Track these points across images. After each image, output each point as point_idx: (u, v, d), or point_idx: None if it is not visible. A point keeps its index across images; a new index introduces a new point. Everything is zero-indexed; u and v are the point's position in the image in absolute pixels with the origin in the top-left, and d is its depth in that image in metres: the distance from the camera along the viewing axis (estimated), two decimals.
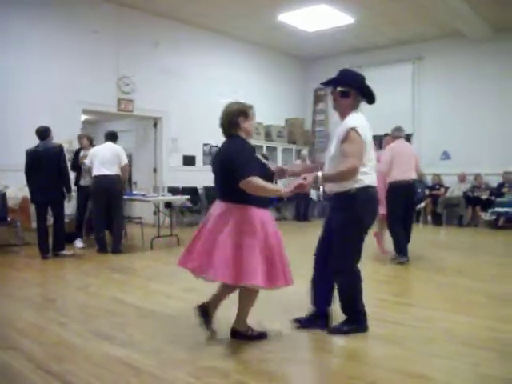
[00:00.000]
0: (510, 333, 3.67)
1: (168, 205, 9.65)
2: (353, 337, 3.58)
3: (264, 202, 3.35)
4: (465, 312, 4.24)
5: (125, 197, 7.90)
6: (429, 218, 11.88)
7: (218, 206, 3.40)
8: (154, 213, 8.55)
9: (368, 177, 3.50)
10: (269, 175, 3.44)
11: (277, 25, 11.11)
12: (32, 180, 6.92)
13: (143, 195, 7.99)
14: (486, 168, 11.25)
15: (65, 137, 8.18)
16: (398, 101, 12.68)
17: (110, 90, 9.79)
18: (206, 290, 3.74)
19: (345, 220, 3.51)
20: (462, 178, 11.59)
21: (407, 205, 6.65)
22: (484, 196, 11.07)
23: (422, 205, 11.67)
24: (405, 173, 6.61)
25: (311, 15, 10.42)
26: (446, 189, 11.73)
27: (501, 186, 11.03)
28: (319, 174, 3.33)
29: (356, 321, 3.67)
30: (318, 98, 14.50)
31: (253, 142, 10.12)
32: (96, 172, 7.26)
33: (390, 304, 4.53)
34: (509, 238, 9.52)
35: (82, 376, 2.89)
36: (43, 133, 6.98)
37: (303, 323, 3.76)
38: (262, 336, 3.50)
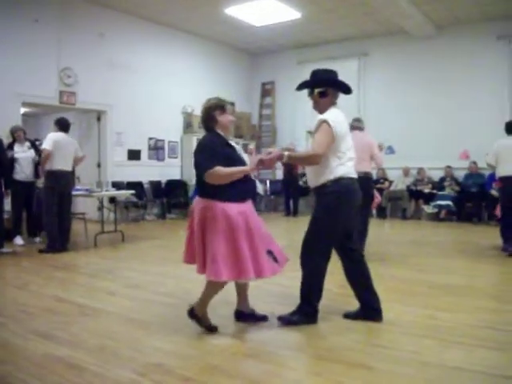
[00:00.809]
0: (449, 321, 3.79)
1: (112, 200, 9.45)
2: (296, 329, 3.61)
3: (234, 195, 3.38)
4: (407, 302, 4.36)
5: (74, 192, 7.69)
6: (373, 211, 12.12)
7: (195, 202, 3.53)
8: (98, 208, 8.37)
9: (341, 168, 3.60)
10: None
11: (224, 18, 11.06)
12: None
13: (87, 190, 7.79)
14: (429, 162, 11.59)
15: (3, 130, 7.88)
16: (343, 96, 12.83)
17: (51, 82, 9.49)
18: (149, 286, 3.69)
19: (317, 211, 3.66)
20: (406, 172, 11.90)
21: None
22: (426, 190, 11.40)
23: None
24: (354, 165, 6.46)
25: (259, 9, 10.43)
26: (391, 182, 12.01)
27: (442, 179, 11.39)
28: (286, 152, 3.50)
29: (306, 313, 3.71)
30: (265, 92, 14.56)
31: (200, 136, 10.18)
32: (58, 166, 6.93)
33: (333, 295, 4.59)
34: (450, 229, 9.84)
35: (22, 377, 2.80)
36: None
37: (351, 316, 3.89)
38: (211, 329, 3.53)
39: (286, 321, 3.67)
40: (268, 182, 13.91)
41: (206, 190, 3.39)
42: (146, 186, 11.05)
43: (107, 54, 10.44)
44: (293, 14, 10.81)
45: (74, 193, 7.69)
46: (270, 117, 14.42)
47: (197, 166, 3.39)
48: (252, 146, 12.97)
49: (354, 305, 4.28)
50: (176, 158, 12.09)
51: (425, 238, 8.63)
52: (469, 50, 11.24)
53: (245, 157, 3.61)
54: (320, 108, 3.75)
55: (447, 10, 10.39)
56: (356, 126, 6.99)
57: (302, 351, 3.22)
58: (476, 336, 3.45)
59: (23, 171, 7.62)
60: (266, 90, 14.52)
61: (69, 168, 7.11)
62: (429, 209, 11.21)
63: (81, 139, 11.23)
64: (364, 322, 3.78)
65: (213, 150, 3.37)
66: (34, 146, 7.94)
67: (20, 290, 4.95)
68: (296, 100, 13.49)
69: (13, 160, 7.53)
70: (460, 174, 11.30)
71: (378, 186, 11.95)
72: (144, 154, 11.31)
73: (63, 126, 7.20)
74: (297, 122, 13.75)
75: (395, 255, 6.80)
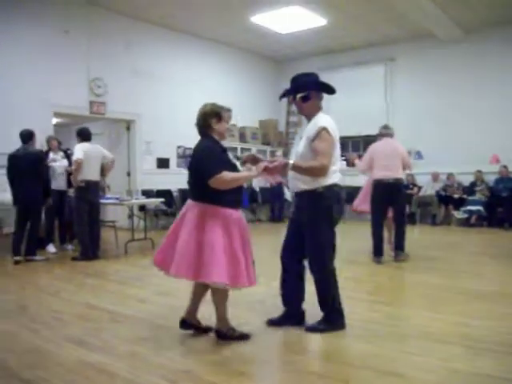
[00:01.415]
0: (480, 328, 3.74)
1: (142, 208, 9.57)
2: (326, 336, 3.61)
3: (232, 202, 3.40)
4: (437, 309, 4.31)
5: (103, 201, 7.83)
6: None
7: (188, 205, 3.47)
8: (129, 216, 8.49)
9: (335, 175, 3.60)
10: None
11: (250, 26, 11.14)
12: (13, 184, 6.91)
13: (117, 199, 7.91)
14: (458, 167, 11.43)
15: (37, 140, 8.05)
16: (370, 102, 12.83)
17: (81, 93, 9.68)
18: (178, 293, 3.73)
19: (314, 218, 3.59)
20: (435, 177, 11.76)
21: (392, 204, 6.69)
22: (456, 195, 11.24)
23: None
24: (384, 171, 6.57)
25: (284, 17, 10.47)
26: (420, 188, 11.88)
27: (473, 184, 11.23)
28: (291, 161, 3.48)
29: (332, 319, 3.69)
30: (291, 99, 14.55)
31: (227, 143, 10.15)
32: (86, 176, 7.06)
33: (362, 303, 4.58)
34: (481, 235, 9.69)
35: (55, 382, 2.86)
36: (25, 137, 6.98)
37: (276, 323, 3.79)
38: (243, 337, 3.51)
39: (313, 329, 3.66)
40: None
41: (204, 194, 3.36)
42: (175, 193, 11.16)
43: (135, 64, 10.60)
44: (318, 21, 10.82)
45: (104, 201, 7.81)
46: (296, 124, 14.41)
47: (202, 170, 3.32)
48: (279, 152, 12.97)
49: (381, 311, 4.26)
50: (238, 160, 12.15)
51: (455, 244, 8.51)
52: (498, 53, 11.07)
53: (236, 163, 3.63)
54: (306, 113, 3.73)
55: (474, 13, 10.26)
56: (385, 133, 7.04)
57: (329, 358, 3.21)
58: (507, 343, 3.39)
59: (56, 180, 7.78)
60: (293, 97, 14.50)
61: (96, 178, 7.23)
62: (459, 214, 11.05)
63: (110, 148, 11.38)
64: (392, 329, 3.76)
65: (218, 154, 3.40)
66: (67, 155, 8.10)
67: (52, 296, 5.05)
68: (322, 106, 13.48)
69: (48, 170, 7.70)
70: (490, 179, 11.12)
71: (408, 191, 11.85)
72: (173, 162, 11.43)
73: (86, 136, 7.28)
74: None
75: (425, 261, 6.72)
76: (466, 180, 11.43)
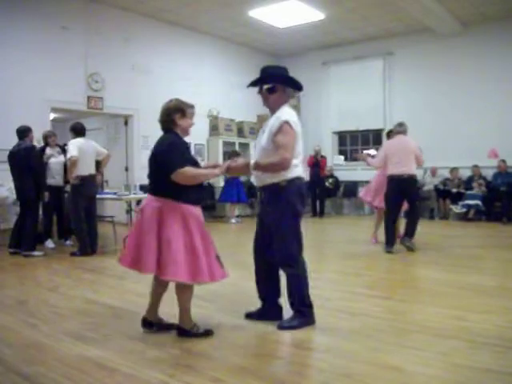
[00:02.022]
0: (480, 322, 3.74)
1: (140, 203, 9.54)
2: (325, 330, 3.60)
3: (193, 198, 3.38)
4: (436, 303, 4.31)
5: (96, 196, 7.79)
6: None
7: (147, 200, 3.47)
8: (127, 211, 8.47)
9: (297, 169, 3.57)
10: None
11: (248, 21, 11.11)
12: (13, 180, 7.02)
13: (115, 194, 7.89)
14: (457, 161, 11.44)
15: (35, 135, 8.02)
16: (369, 96, 12.82)
17: (79, 88, 9.65)
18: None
19: (279, 211, 3.56)
20: (434, 172, 11.75)
21: (407, 199, 6.97)
22: (454, 189, 11.24)
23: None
24: (398, 167, 6.82)
25: (282, 11, 10.44)
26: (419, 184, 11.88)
27: (471, 179, 11.23)
28: (251, 161, 3.52)
29: (304, 314, 3.66)
30: None
31: (226, 138, 10.17)
32: (83, 171, 7.02)
33: (361, 297, 4.57)
34: (479, 230, 9.70)
35: (54, 378, 2.84)
36: (20, 133, 7.04)
37: (255, 317, 3.81)
38: (207, 333, 3.48)
39: (287, 328, 3.60)
40: None
41: (165, 189, 3.34)
42: None
43: (132, 59, 10.57)
44: (316, 15, 10.79)
45: (102, 196, 7.79)
46: None
47: (166, 163, 3.30)
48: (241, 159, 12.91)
49: (381, 305, 4.26)
50: (202, 160, 12.14)
51: (453, 238, 8.52)
52: (496, 47, 11.07)
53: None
54: (270, 105, 3.70)
55: (473, 6, 10.25)
56: (400, 130, 7.27)
57: (329, 352, 3.21)
58: (507, 338, 3.39)
59: (53, 176, 7.74)
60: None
61: (92, 172, 7.20)
62: (457, 209, 11.06)
63: (108, 143, 11.41)
64: (392, 323, 3.76)
65: (182, 149, 3.40)
66: (64, 150, 8.07)
67: (51, 291, 5.04)
68: (321, 101, 13.48)
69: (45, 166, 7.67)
70: (489, 173, 11.12)
71: None
72: None
73: (79, 131, 7.23)
74: (322, 123, 13.71)
75: (424, 255, 6.73)
76: (465, 174, 11.45)
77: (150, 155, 3.49)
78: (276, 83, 3.65)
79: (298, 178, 3.58)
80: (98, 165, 7.44)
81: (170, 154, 3.32)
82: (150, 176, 3.49)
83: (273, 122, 3.54)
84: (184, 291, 3.42)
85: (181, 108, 3.49)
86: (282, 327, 3.59)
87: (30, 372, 2.93)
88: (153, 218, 3.32)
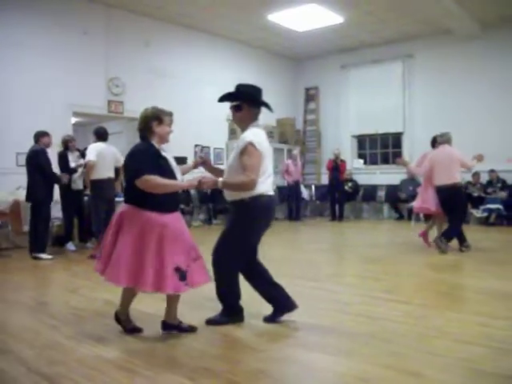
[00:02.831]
0: (501, 329, 3.69)
1: None
2: (344, 334, 3.58)
3: (155, 204, 3.37)
4: (456, 308, 4.27)
5: (116, 199, 7.84)
6: (421, 215, 11.91)
7: (120, 207, 3.59)
8: None
9: (261, 186, 3.62)
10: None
11: (267, 25, 11.13)
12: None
13: None
14: (477, 166, 11.27)
15: (56, 139, 8.12)
16: (388, 99, 12.75)
17: (100, 92, 9.77)
18: (198, 291, 3.72)
19: (235, 222, 3.74)
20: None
21: (453, 206, 7.28)
22: (475, 193, 11.11)
23: (414, 203, 11.71)
24: (441, 178, 7.25)
25: (301, 15, 10.45)
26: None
27: (489, 183, 11.09)
28: (220, 179, 3.62)
29: (229, 313, 3.83)
30: (309, 98, 14.54)
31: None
32: (102, 175, 7.14)
33: (381, 301, 4.54)
34: (500, 234, 9.57)
35: (74, 379, 2.87)
36: (34, 137, 7.15)
37: (213, 322, 3.85)
38: (133, 331, 3.63)
39: (215, 322, 3.77)
40: (313, 187, 13.87)
41: (130, 195, 3.46)
42: (192, 192, 11.19)
43: (152, 63, 10.65)
44: (335, 19, 10.78)
45: (120, 199, 7.82)
46: (314, 122, 14.38)
47: (132, 169, 3.41)
48: (296, 151, 12.93)
49: (400, 310, 4.23)
50: (221, 164, 12.18)
51: (474, 243, 8.40)
52: None
53: (176, 168, 3.61)
54: (237, 122, 3.87)
55: (492, 8, 10.15)
56: (442, 140, 7.70)
57: (348, 356, 3.19)
58: None
59: (74, 180, 7.82)
60: (310, 95, 14.49)
61: (112, 175, 7.29)
62: (478, 213, 10.92)
63: (128, 147, 11.43)
64: (412, 328, 3.72)
65: (149, 157, 3.41)
66: (83, 155, 8.14)
67: (72, 293, 5.10)
68: (340, 105, 13.44)
69: (70, 170, 7.72)
70: (509, 178, 10.95)
71: None
72: (190, 161, 11.44)
73: (101, 135, 7.37)
74: (341, 126, 13.67)
75: (444, 260, 6.66)
76: (484, 179, 11.30)
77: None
78: (243, 102, 3.74)
79: (262, 195, 3.64)
80: (117, 172, 7.50)
81: (136, 160, 3.40)
82: (125, 182, 3.64)
83: (239, 142, 3.63)
84: (127, 292, 3.61)
85: (157, 116, 3.53)
86: (208, 321, 3.80)
87: (50, 372, 2.96)
88: (115, 223, 3.46)
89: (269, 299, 3.89)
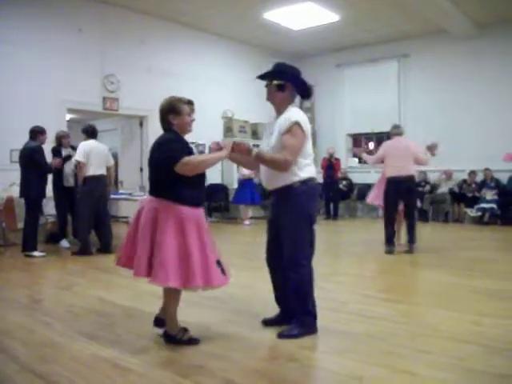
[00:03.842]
0: (494, 327, 3.71)
1: None
2: (339, 333, 3.60)
3: (189, 198, 3.24)
4: (449, 307, 4.28)
5: (111, 196, 7.83)
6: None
7: (146, 201, 3.41)
8: None
9: (309, 169, 3.49)
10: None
11: (263, 23, 11.12)
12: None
13: (129, 194, 7.95)
14: (471, 164, 11.35)
15: (50, 136, 8.10)
16: (383, 98, 12.77)
17: (95, 89, 9.73)
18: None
19: (292, 214, 3.43)
20: (449, 176, 11.65)
21: (403, 200, 7.11)
22: (470, 194, 11.14)
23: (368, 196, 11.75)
24: (394, 170, 6.97)
25: (297, 13, 10.44)
26: (432, 186, 11.79)
27: (483, 182, 11.14)
28: (255, 149, 3.39)
29: (306, 323, 3.54)
30: None
31: (240, 140, 10.14)
32: (94, 172, 7.09)
33: (375, 300, 4.56)
34: (494, 233, 9.61)
35: (67, 376, 2.87)
36: (31, 133, 7.12)
37: (271, 323, 3.72)
38: (191, 342, 3.35)
39: (287, 336, 3.48)
40: None
41: (161, 189, 3.26)
42: None
43: (148, 61, 10.63)
44: (331, 17, 10.78)
45: (117, 197, 7.84)
46: (309, 120, 14.28)
47: (165, 158, 3.18)
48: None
49: (395, 309, 4.24)
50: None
51: (468, 242, 8.45)
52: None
53: None
54: (276, 102, 3.57)
55: (488, 8, 10.17)
56: (396, 132, 7.37)
57: (342, 355, 3.20)
58: None
59: (67, 178, 7.80)
60: None
61: (103, 172, 7.24)
62: (472, 212, 10.97)
63: (123, 144, 11.50)
64: (405, 327, 3.74)
65: (180, 142, 3.28)
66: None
67: (66, 291, 5.09)
68: (335, 103, 13.45)
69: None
70: (504, 177, 11.00)
71: (420, 189, 11.77)
72: None
73: (91, 133, 7.31)
74: (336, 125, 13.69)
75: (437, 259, 6.68)
76: (479, 177, 11.35)
77: (149, 156, 3.42)
78: (287, 82, 3.54)
79: (311, 179, 3.49)
80: (108, 171, 7.47)
81: (169, 148, 3.21)
82: (150, 177, 3.44)
83: (282, 122, 3.42)
84: (171, 296, 3.35)
85: (173, 107, 3.35)
86: (281, 336, 3.48)
87: (44, 370, 2.96)
88: (148, 219, 3.24)
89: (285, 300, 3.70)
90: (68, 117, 10.01)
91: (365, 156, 7.87)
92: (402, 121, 12.54)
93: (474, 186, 11.27)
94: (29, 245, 6.94)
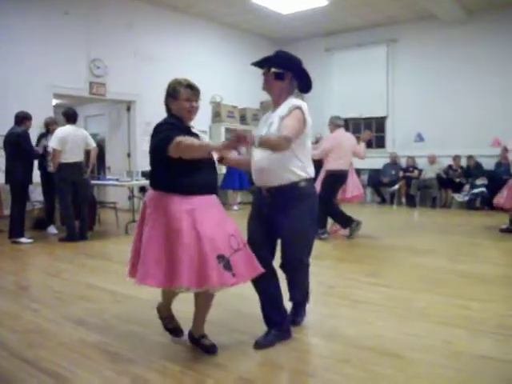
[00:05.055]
0: (481, 311, 3.75)
1: (142, 189, 9.53)
2: (326, 317, 3.62)
3: (186, 186, 2.87)
4: (438, 291, 4.32)
5: (98, 182, 7.78)
6: (403, 199, 12.05)
7: (148, 194, 3.10)
8: (129, 197, 8.48)
9: (309, 170, 3.25)
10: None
11: (250, 7, 11.01)
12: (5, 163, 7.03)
13: (117, 180, 7.90)
14: (459, 150, 11.39)
15: (37, 121, 8.00)
16: (372, 83, 12.74)
17: (81, 74, 9.61)
18: None
19: (299, 214, 3.15)
20: (432, 160, 11.69)
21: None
22: (457, 179, 11.21)
23: (396, 187, 11.84)
24: (342, 163, 6.99)
25: None
26: (420, 171, 11.85)
27: (468, 168, 11.21)
28: (257, 135, 2.95)
29: (304, 311, 3.56)
30: None
31: (228, 125, 10.05)
32: (66, 159, 6.98)
33: (363, 284, 4.59)
34: (481, 218, 9.68)
35: (56, 362, 2.87)
36: (17, 118, 7.03)
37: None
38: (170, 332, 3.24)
39: (297, 323, 3.45)
40: None
41: (156, 179, 2.98)
42: None
43: (135, 45, 10.50)
44: (320, 1, 10.69)
45: (104, 182, 7.78)
46: None
47: (159, 141, 2.85)
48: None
49: (382, 293, 4.27)
50: None
51: (455, 227, 8.52)
52: (501, 34, 10.92)
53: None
54: (274, 92, 3.28)
55: None
56: (340, 124, 7.26)
57: (330, 338, 3.22)
58: (508, 326, 3.41)
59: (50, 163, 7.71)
60: None
61: (78, 159, 7.11)
62: (459, 197, 11.05)
63: (111, 129, 11.40)
64: (393, 310, 3.77)
65: (176, 126, 2.93)
66: None
67: (53, 277, 5.07)
68: (324, 88, 13.38)
69: (45, 152, 7.62)
70: (492, 162, 11.07)
71: (408, 174, 11.84)
72: None
73: (70, 117, 7.20)
74: (324, 110, 13.64)
75: (425, 244, 6.73)
76: (466, 163, 11.42)
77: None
78: (287, 71, 3.25)
79: (312, 178, 3.29)
80: (88, 155, 7.41)
81: (161, 130, 2.90)
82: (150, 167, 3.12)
83: (282, 110, 3.16)
84: (162, 292, 3.18)
85: (171, 91, 3.07)
86: (295, 323, 3.40)
87: (33, 356, 2.95)
88: (142, 213, 3.01)
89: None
90: (54, 102, 9.89)
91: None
92: (390, 106, 12.57)
93: (459, 170, 11.33)
94: (16, 231, 6.88)
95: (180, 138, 2.77)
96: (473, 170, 11.11)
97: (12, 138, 6.87)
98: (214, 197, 3.04)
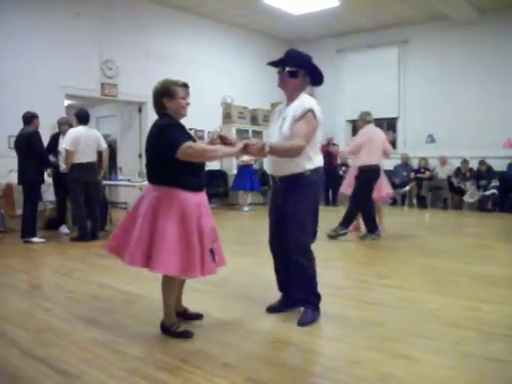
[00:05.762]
0: (491, 313, 3.73)
1: None
2: (336, 318, 3.62)
3: (191, 183, 3.20)
4: (448, 293, 4.30)
5: (110, 182, 7.81)
6: (414, 200, 12.00)
7: (146, 189, 3.34)
8: None
9: (319, 157, 3.58)
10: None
11: (262, 8, 11.03)
12: (17, 164, 7.06)
13: (128, 180, 7.94)
14: (471, 151, 11.32)
15: (49, 122, 8.08)
16: (383, 85, 12.71)
17: (93, 75, 9.69)
18: None
19: (303, 201, 3.48)
20: (443, 161, 11.63)
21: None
22: (468, 188, 11.11)
23: (407, 188, 11.80)
24: (375, 158, 6.90)
25: None
26: (433, 171, 11.79)
27: (479, 172, 11.12)
28: (267, 142, 3.30)
29: (317, 305, 3.60)
30: None
31: (239, 126, 10.07)
32: (79, 160, 7.02)
33: (373, 285, 4.58)
34: (492, 220, 9.63)
35: (67, 361, 2.89)
36: (24, 118, 7.07)
37: (274, 310, 3.74)
38: (185, 334, 3.23)
39: (307, 323, 3.47)
40: None
41: (161, 176, 3.18)
42: None
43: (147, 46, 10.57)
44: (331, 2, 10.69)
45: (116, 183, 7.82)
46: None
47: (165, 144, 3.08)
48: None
49: (392, 294, 4.26)
50: None
51: (466, 229, 8.47)
52: None
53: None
54: (289, 90, 3.57)
55: None
56: (370, 119, 7.22)
57: (339, 340, 3.22)
58: None
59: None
60: None
61: (91, 159, 7.14)
62: (467, 198, 10.99)
63: (122, 130, 11.47)
64: (403, 312, 3.76)
65: (179, 127, 3.19)
66: None
67: (65, 276, 5.10)
68: (335, 89, 13.37)
69: (57, 152, 7.67)
70: (504, 164, 10.98)
71: (419, 175, 11.79)
72: None
73: (82, 118, 7.23)
74: (336, 111, 13.62)
75: (436, 245, 6.70)
76: (476, 165, 11.34)
77: (145, 143, 3.30)
78: (300, 68, 3.54)
79: (320, 168, 3.55)
80: (100, 156, 7.43)
81: (167, 133, 3.11)
82: (147, 164, 3.32)
83: (296, 108, 3.42)
84: (169, 285, 3.26)
85: (167, 90, 3.26)
86: (302, 324, 3.46)
87: (44, 355, 2.97)
88: (148, 207, 3.16)
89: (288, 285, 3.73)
90: (66, 103, 9.97)
91: (341, 149, 8.04)
92: (402, 107, 12.52)
93: (468, 174, 11.24)
94: (28, 231, 6.93)
95: (189, 144, 3.07)
96: (484, 174, 11.03)
97: (23, 138, 6.93)
98: (205, 194, 3.42)
